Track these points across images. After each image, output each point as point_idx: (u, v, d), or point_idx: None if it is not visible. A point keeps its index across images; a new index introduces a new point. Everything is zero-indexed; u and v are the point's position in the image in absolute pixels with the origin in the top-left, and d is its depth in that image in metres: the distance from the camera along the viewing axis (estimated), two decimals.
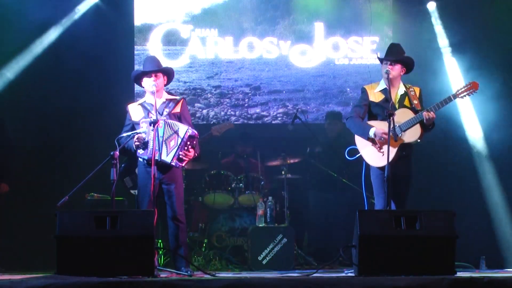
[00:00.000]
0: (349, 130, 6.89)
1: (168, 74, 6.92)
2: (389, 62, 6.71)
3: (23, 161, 8.53)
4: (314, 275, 5.95)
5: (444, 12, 9.22)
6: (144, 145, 6.61)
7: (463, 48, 9.02)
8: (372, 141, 6.70)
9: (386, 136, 6.52)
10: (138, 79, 6.88)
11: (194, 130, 6.67)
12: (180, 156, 6.59)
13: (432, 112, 6.52)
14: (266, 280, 5.18)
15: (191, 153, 6.65)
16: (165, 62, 8.89)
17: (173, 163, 6.59)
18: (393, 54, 6.76)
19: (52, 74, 9.00)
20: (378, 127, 6.64)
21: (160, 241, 8.12)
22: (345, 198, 8.61)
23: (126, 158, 7.51)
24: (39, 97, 8.95)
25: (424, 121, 6.55)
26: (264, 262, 7.97)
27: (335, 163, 8.54)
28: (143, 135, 6.61)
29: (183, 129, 6.62)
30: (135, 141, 6.59)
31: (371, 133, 6.65)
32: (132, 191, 7.63)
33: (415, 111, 6.64)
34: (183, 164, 6.71)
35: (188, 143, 6.61)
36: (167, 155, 6.59)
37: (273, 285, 5.08)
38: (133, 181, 7.59)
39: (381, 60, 6.81)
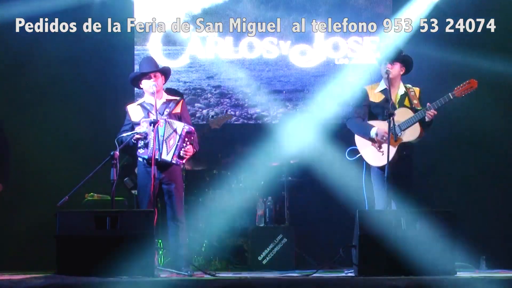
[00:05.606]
0: None
1: (166, 73, 6.94)
2: (388, 62, 6.72)
3: (23, 161, 8.52)
4: (314, 275, 5.96)
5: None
6: (145, 144, 6.62)
7: None
8: (372, 140, 6.69)
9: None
10: (136, 81, 6.89)
11: (190, 126, 6.72)
12: (180, 153, 6.62)
13: (433, 110, 6.53)
14: (266, 280, 5.19)
15: (190, 149, 6.69)
16: (165, 62, 8.90)
17: (174, 161, 6.62)
18: (392, 54, 6.77)
19: (52, 73, 9.00)
20: (379, 127, 6.63)
21: (160, 241, 8.12)
22: (345, 198, 8.59)
23: (125, 158, 7.51)
24: (38, 97, 8.95)
25: (426, 118, 6.54)
26: (264, 262, 7.97)
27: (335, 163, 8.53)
28: (144, 135, 6.62)
29: (180, 126, 6.66)
30: (137, 137, 6.59)
31: (373, 133, 6.65)
32: (133, 191, 7.64)
33: (415, 110, 6.65)
34: (183, 161, 6.74)
35: (186, 139, 6.65)
36: (167, 154, 6.60)
37: (273, 285, 5.09)
38: (133, 182, 7.60)
39: (380, 61, 6.82)
